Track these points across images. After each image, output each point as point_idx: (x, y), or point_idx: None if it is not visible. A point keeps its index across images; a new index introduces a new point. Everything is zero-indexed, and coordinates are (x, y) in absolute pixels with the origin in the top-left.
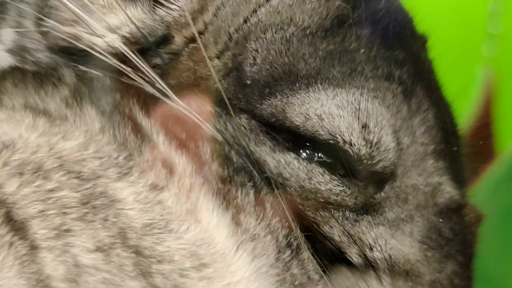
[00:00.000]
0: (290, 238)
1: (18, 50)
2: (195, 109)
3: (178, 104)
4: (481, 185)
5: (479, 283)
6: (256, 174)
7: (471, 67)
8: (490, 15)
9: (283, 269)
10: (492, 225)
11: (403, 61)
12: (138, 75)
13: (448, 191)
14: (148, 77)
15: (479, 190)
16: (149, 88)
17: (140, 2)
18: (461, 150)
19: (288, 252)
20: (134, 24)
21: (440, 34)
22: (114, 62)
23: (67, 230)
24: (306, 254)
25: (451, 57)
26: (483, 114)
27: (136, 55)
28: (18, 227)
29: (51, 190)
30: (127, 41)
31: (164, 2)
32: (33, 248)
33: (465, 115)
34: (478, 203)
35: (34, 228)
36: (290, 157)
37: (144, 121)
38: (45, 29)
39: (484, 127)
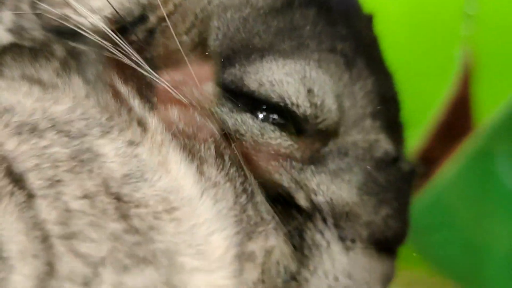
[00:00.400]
0: (246, 185)
1: (17, 30)
2: (165, 77)
3: (150, 73)
4: (459, 157)
5: (460, 247)
6: (216, 129)
7: (450, 46)
8: None
9: (240, 211)
10: (467, 196)
11: (346, 36)
12: (118, 50)
13: (384, 147)
14: (126, 51)
15: (456, 162)
16: (126, 60)
17: None
18: (399, 113)
19: (244, 196)
20: (112, 7)
21: (421, 16)
22: (96, 38)
23: (59, 181)
24: (259, 198)
25: (432, 37)
26: (462, 91)
27: (115, 32)
28: (17, 179)
29: (45, 147)
30: (110, 20)
31: None
32: (30, 196)
33: (445, 91)
34: (456, 175)
35: (31, 180)
36: (246, 116)
37: (122, 88)
38: (39, 11)
39: (463, 102)
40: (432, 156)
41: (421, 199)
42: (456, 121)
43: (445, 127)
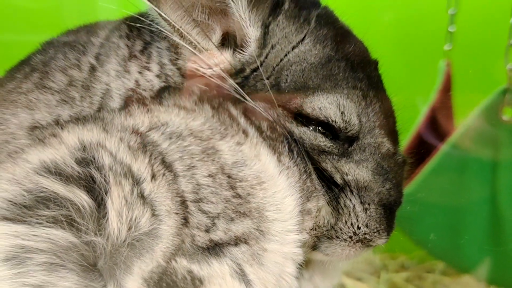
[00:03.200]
0: (306, 168)
1: (163, 76)
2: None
3: (251, 103)
4: (442, 151)
5: (442, 231)
6: (288, 136)
7: (436, 60)
8: (451, 16)
9: (303, 184)
10: (446, 186)
11: (362, 78)
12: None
13: (387, 146)
14: (235, 89)
15: (438, 156)
16: (235, 94)
17: (229, 50)
18: (395, 124)
19: (305, 175)
20: (229, 62)
21: (413, 37)
22: (218, 82)
23: (194, 166)
24: (314, 176)
25: (420, 52)
26: (444, 96)
27: (229, 77)
28: (167, 166)
29: (186, 146)
30: (223, 70)
31: (240, 51)
32: (175, 176)
33: (431, 95)
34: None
35: (176, 166)
36: (305, 128)
37: (234, 111)
38: (179, 65)
39: (445, 105)
40: (422, 150)
41: (411, 190)
42: (440, 121)
43: (431, 126)
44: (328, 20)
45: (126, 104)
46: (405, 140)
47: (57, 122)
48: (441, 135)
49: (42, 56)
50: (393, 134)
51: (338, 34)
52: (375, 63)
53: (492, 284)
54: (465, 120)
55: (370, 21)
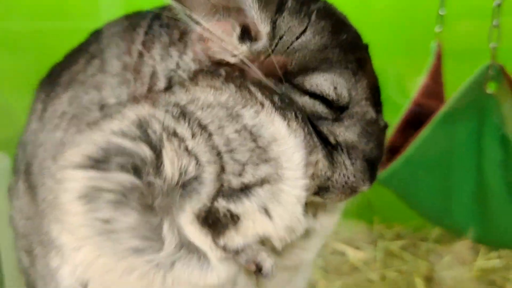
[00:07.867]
0: (309, 129)
1: (197, 61)
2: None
3: (266, 81)
4: (432, 122)
5: (435, 194)
6: (294, 105)
7: (428, 41)
8: (441, 1)
9: (307, 142)
10: (438, 152)
11: (352, 60)
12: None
13: (371, 114)
14: (253, 72)
15: (429, 127)
16: (255, 74)
17: (247, 41)
18: (380, 96)
19: (308, 135)
20: (248, 52)
21: (406, 20)
22: (240, 67)
23: (223, 126)
24: (314, 135)
25: (412, 33)
26: (436, 74)
27: (248, 63)
28: (203, 127)
29: (215, 112)
30: (244, 58)
31: (255, 43)
32: (210, 134)
33: (423, 74)
34: (429, 136)
35: (209, 127)
36: (306, 98)
37: (252, 88)
38: (208, 54)
39: (436, 83)
40: (413, 122)
41: (405, 158)
42: (431, 96)
43: (423, 100)
44: (326, 14)
45: (170, 85)
46: (402, 112)
47: (120, 102)
48: (433, 108)
49: (97, 45)
50: (377, 105)
51: (334, 25)
52: (365, 47)
53: (481, 243)
54: (454, 94)
55: (365, 4)
